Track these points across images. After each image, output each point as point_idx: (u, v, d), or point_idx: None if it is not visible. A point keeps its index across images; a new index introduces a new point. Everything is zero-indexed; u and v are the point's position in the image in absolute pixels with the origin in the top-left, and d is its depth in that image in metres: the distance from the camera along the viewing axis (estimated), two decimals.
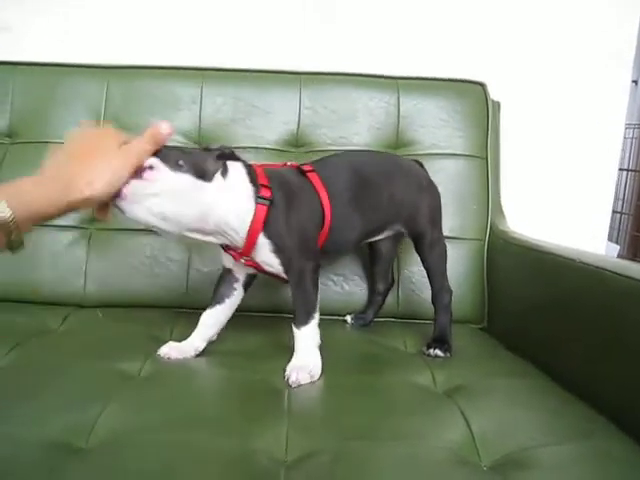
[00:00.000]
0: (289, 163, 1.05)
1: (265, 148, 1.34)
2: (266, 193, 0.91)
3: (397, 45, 1.53)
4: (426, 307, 1.28)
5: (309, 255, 0.94)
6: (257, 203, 0.90)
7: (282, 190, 0.94)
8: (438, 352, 1.06)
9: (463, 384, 0.92)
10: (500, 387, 0.92)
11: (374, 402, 0.84)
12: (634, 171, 3.22)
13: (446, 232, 1.31)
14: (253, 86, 1.35)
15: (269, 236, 0.91)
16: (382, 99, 1.36)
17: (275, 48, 1.51)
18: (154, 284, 1.27)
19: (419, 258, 1.15)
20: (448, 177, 1.34)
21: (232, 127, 1.34)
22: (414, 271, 1.30)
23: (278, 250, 0.92)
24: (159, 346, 0.99)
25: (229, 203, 0.88)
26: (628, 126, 2.88)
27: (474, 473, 0.68)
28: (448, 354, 1.06)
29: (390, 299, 1.26)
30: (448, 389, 0.91)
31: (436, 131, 1.35)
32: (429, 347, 1.07)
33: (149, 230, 1.28)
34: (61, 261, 1.28)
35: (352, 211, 1.03)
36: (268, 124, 1.34)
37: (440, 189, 1.30)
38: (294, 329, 0.93)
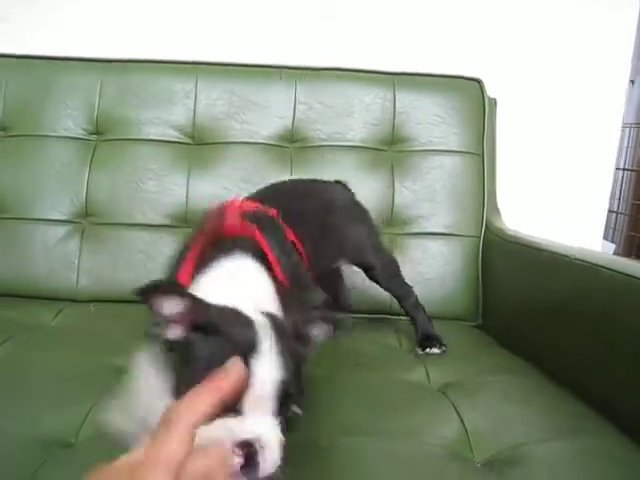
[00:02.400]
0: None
1: (259, 143, 1.33)
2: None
3: (394, 41, 1.52)
4: None
5: None
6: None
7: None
8: (434, 350, 1.06)
9: (457, 381, 0.92)
10: (494, 384, 0.91)
11: (368, 399, 0.83)
12: (631, 170, 3.22)
13: (441, 229, 1.31)
14: (248, 81, 1.35)
15: None
16: (378, 95, 1.35)
17: (271, 43, 1.51)
18: (147, 279, 1.25)
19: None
20: (444, 173, 1.33)
21: (227, 122, 1.33)
22: (407, 268, 1.29)
23: None
24: (153, 343, 0.98)
25: None
26: (625, 125, 2.88)
27: (467, 469, 0.67)
28: (443, 347, 1.06)
29: (384, 296, 1.26)
30: (442, 386, 0.90)
31: (432, 127, 1.35)
32: (423, 347, 1.07)
33: (142, 224, 1.29)
34: (54, 255, 1.27)
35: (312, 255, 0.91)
36: (263, 119, 1.34)
37: (436, 186, 1.30)
38: None
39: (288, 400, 0.57)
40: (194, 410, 0.45)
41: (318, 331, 0.65)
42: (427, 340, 1.08)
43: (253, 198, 0.93)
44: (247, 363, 0.54)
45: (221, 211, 0.81)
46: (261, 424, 0.54)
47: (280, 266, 0.75)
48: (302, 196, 1.04)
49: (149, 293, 0.58)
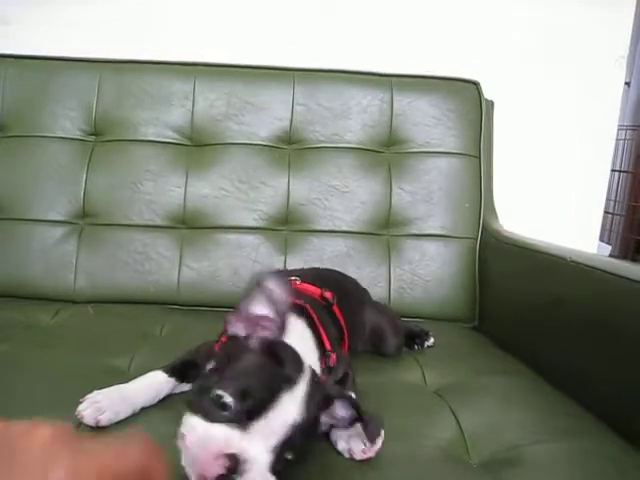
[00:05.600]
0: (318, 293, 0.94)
1: (257, 144, 1.33)
2: (332, 361, 0.80)
3: (391, 43, 1.52)
4: (416, 304, 1.29)
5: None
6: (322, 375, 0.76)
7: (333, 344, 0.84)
8: (427, 343, 1.10)
9: (453, 382, 0.92)
10: (490, 385, 0.92)
11: (365, 400, 0.83)
12: (626, 172, 3.23)
13: (438, 230, 1.32)
14: (246, 82, 1.35)
15: None
16: (376, 97, 1.35)
17: (269, 44, 1.51)
18: (145, 280, 1.26)
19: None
20: (441, 175, 1.34)
21: (225, 123, 1.33)
22: (405, 269, 1.30)
23: None
24: (150, 342, 0.98)
25: None
26: (621, 127, 2.89)
27: (464, 471, 0.68)
28: (432, 339, 1.10)
29: (381, 297, 1.26)
30: (439, 387, 0.91)
31: (429, 129, 1.35)
32: (417, 345, 1.10)
33: (140, 225, 1.29)
34: (51, 256, 1.27)
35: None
36: (261, 120, 1.34)
37: (433, 187, 1.30)
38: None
39: (288, 452, 0.58)
40: None
41: (341, 412, 0.67)
42: (415, 338, 1.10)
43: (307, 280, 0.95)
44: (278, 392, 0.58)
45: None
46: (256, 449, 0.55)
47: (326, 335, 0.80)
48: (344, 282, 1.11)
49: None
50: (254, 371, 0.62)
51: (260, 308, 0.66)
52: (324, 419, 0.67)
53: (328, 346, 0.80)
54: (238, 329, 0.67)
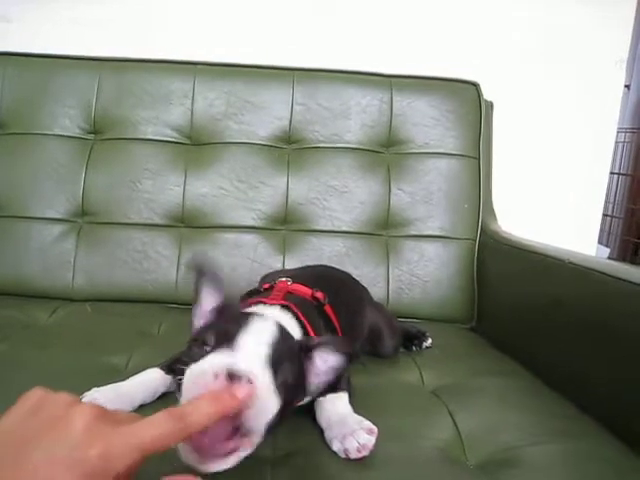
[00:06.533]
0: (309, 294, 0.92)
1: (257, 144, 1.33)
2: None
3: (391, 43, 1.53)
4: (415, 305, 1.29)
5: None
6: None
7: None
8: (425, 344, 1.09)
9: (451, 383, 0.92)
10: (488, 386, 0.92)
11: (362, 401, 0.83)
12: (625, 175, 3.24)
13: (437, 231, 1.32)
14: (246, 81, 1.35)
15: None
16: (375, 97, 1.35)
17: (269, 44, 1.51)
18: (143, 279, 1.26)
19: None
20: (440, 176, 1.34)
21: (224, 122, 1.33)
22: (403, 270, 1.30)
23: None
24: (148, 340, 0.98)
25: None
26: (620, 130, 2.90)
27: (461, 472, 0.68)
28: (429, 340, 1.10)
29: (379, 297, 1.26)
30: (436, 388, 0.90)
31: (429, 130, 1.35)
32: (414, 346, 1.09)
33: (139, 224, 1.29)
34: (50, 254, 1.27)
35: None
36: (260, 120, 1.34)
37: (432, 188, 1.30)
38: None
39: (280, 372, 0.60)
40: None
41: (327, 357, 0.69)
42: (412, 339, 1.10)
43: (300, 280, 0.94)
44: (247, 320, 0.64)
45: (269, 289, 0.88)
46: (248, 361, 0.57)
47: (314, 331, 0.80)
48: (343, 282, 1.10)
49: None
50: (219, 321, 0.68)
51: (208, 300, 0.71)
52: (314, 369, 0.68)
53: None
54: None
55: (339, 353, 0.68)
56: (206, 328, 0.68)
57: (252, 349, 0.59)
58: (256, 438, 0.57)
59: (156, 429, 0.45)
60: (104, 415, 0.46)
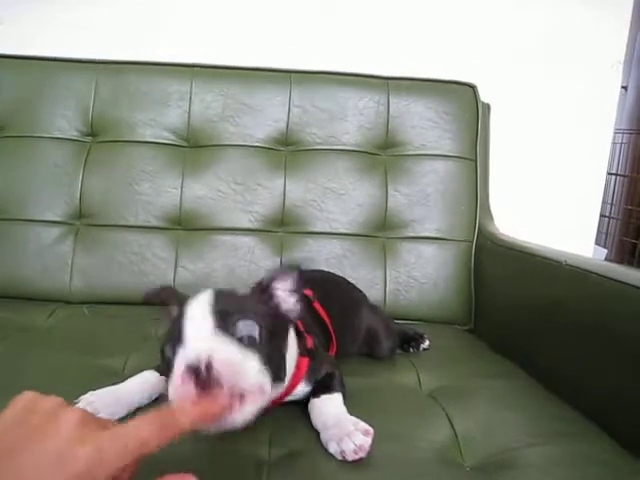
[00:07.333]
0: None
1: (254, 146, 1.33)
2: (309, 343, 0.79)
3: (388, 45, 1.53)
4: (412, 307, 1.29)
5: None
6: (300, 355, 0.76)
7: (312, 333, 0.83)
8: (422, 346, 1.09)
9: (448, 385, 0.92)
10: (484, 388, 0.92)
11: (359, 403, 0.83)
12: (623, 176, 3.24)
13: (434, 233, 1.32)
14: (243, 83, 1.35)
15: (310, 382, 0.79)
16: (372, 99, 1.36)
17: (266, 46, 1.51)
18: (140, 281, 1.26)
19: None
20: (437, 178, 1.34)
21: (221, 124, 1.33)
22: (400, 272, 1.30)
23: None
24: (145, 343, 0.98)
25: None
26: (617, 131, 2.90)
27: (457, 474, 0.68)
28: (427, 342, 1.10)
29: (376, 299, 1.26)
30: (433, 390, 0.90)
31: (426, 132, 1.35)
32: (412, 348, 1.09)
33: (136, 226, 1.29)
34: (47, 256, 1.26)
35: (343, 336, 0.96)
36: (257, 122, 1.34)
37: (429, 190, 1.30)
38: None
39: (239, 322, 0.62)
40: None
41: (283, 285, 0.72)
42: (410, 341, 1.10)
43: None
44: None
45: None
46: (197, 345, 0.59)
47: (302, 322, 0.79)
48: (337, 284, 1.12)
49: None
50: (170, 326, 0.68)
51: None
52: (281, 300, 0.71)
53: (301, 328, 0.79)
54: None
55: (291, 274, 0.71)
56: (163, 339, 0.67)
57: (197, 328, 0.61)
58: (261, 390, 0.59)
59: (143, 431, 0.46)
60: (91, 419, 0.47)
